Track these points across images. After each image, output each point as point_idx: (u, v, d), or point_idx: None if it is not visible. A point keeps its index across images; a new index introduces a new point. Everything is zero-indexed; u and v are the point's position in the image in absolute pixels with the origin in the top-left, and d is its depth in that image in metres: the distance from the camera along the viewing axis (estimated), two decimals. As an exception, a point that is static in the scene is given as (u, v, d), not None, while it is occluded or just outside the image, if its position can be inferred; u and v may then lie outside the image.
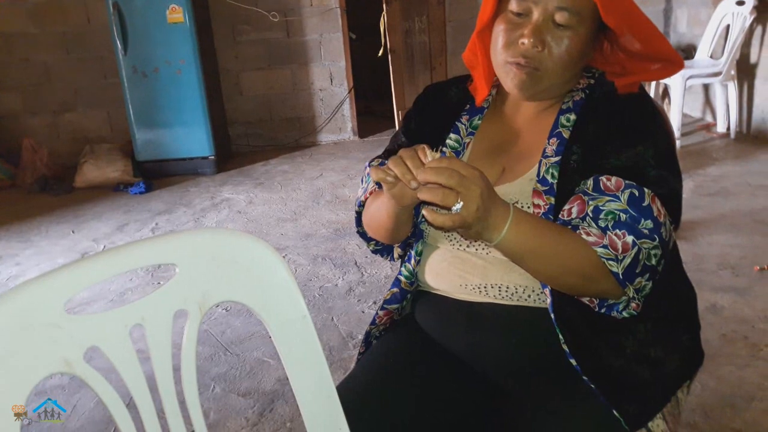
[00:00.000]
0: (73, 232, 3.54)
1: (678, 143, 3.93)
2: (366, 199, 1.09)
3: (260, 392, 1.94)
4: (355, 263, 2.80)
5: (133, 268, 0.74)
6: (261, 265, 0.81)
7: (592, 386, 0.88)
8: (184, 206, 3.84)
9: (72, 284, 0.69)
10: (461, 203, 0.76)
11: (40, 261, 3.16)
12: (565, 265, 0.86)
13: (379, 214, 1.01)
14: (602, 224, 0.86)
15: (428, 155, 0.82)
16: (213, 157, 4.44)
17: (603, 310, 0.91)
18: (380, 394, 0.98)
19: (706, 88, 4.59)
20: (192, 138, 4.38)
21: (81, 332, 0.69)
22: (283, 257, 0.86)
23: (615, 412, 0.87)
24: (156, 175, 4.40)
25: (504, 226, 0.82)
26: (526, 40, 0.93)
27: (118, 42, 4.16)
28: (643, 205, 0.86)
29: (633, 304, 0.90)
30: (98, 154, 4.42)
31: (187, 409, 0.76)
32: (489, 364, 0.99)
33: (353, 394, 0.96)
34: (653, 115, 0.97)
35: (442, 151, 1.05)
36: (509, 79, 0.97)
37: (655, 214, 0.86)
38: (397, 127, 4.62)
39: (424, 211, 0.79)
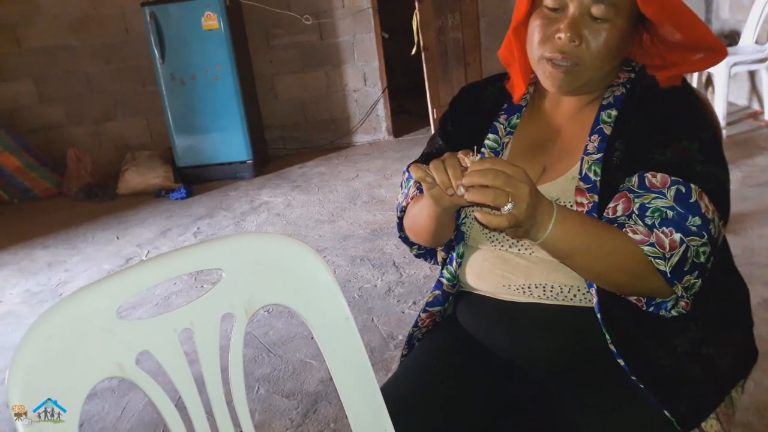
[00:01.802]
0: (117, 238, 3.64)
1: (724, 133, 3.82)
2: (407, 204, 1.09)
3: (303, 393, 1.96)
4: (394, 263, 2.80)
5: (181, 274, 0.76)
6: (304, 269, 0.82)
7: (642, 386, 0.86)
8: (225, 210, 3.90)
9: (123, 291, 0.71)
10: (512, 202, 0.77)
11: (87, 267, 3.25)
12: (612, 262, 0.85)
13: (421, 217, 1.01)
14: (649, 222, 0.84)
15: (468, 161, 0.82)
16: (251, 161, 4.50)
17: (651, 309, 0.89)
18: (423, 395, 0.98)
19: (752, 75, 4.45)
20: (230, 143, 4.45)
21: (132, 337, 0.71)
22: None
23: (666, 412, 0.85)
24: (196, 180, 4.48)
25: (549, 223, 0.82)
26: (562, 35, 0.91)
27: (155, 51, 4.25)
28: (691, 201, 0.84)
29: (682, 303, 0.88)
30: (139, 161, 4.53)
31: (234, 410, 0.77)
32: (533, 365, 0.97)
33: (397, 396, 0.95)
34: (697, 108, 0.94)
35: (481, 153, 1.04)
36: (546, 76, 0.96)
37: (703, 211, 0.84)
38: (431, 125, 4.61)
39: (477, 215, 0.79)
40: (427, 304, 1.10)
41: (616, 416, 0.88)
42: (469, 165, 0.81)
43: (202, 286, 2.79)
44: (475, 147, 1.02)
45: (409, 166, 1.13)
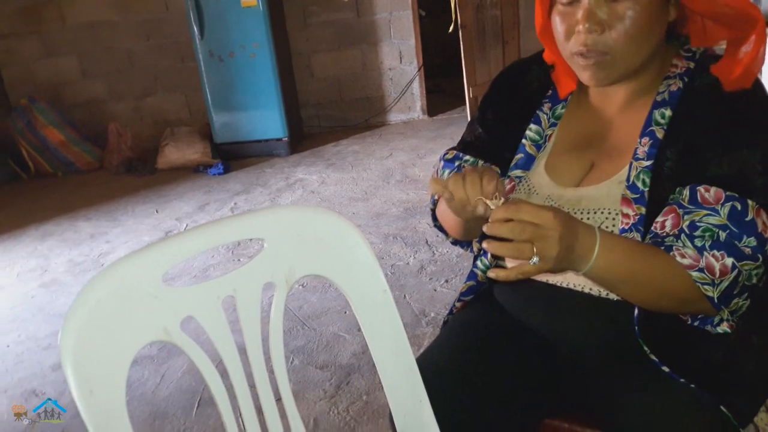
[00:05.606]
0: (156, 211, 3.72)
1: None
2: (440, 197, 1.07)
3: (337, 365, 2.00)
4: (426, 242, 2.81)
5: (225, 243, 0.78)
6: (343, 241, 0.83)
7: (692, 386, 0.83)
8: (261, 186, 3.96)
9: (170, 257, 0.73)
10: (537, 256, 0.74)
11: (128, 239, 3.34)
12: (659, 289, 0.82)
13: (449, 216, 1.00)
14: (698, 243, 0.80)
15: (491, 205, 0.80)
16: (287, 138, 4.54)
17: (696, 323, 0.87)
18: (458, 367, 0.98)
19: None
20: (266, 120, 4.49)
21: (177, 303, 0.74)
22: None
23: (723, 408, 0.81)
24: (233, 156, 4.54)
25: (592, 255, 0.78)
26: (581, 26, 0.86)
27: (195, 27, 4.29)
28: (746, 219, 0.79)
29: (725, 324, 0.85)
30: (178, 136, 4.61)
31: (274, 377, 0.80)
32: (570, 347, 0.96)
33: (432, 367, 0.95)
34: (764, 110, 0.86)
35: (506, 176, 1.01)
36: (581, 72, 0.91)
37: (759, 230, 0.79)
38: (467, 105, 4.56)
39: (494, 273, 0.78)
40: (462, 293, 1.09)
41: (657, 397, 0.84)
42: (491, 208, 0.78)
43: (239, 260, 2.84)
44: (504, 178, 0.99)
45: (445, 154, 1.11)
